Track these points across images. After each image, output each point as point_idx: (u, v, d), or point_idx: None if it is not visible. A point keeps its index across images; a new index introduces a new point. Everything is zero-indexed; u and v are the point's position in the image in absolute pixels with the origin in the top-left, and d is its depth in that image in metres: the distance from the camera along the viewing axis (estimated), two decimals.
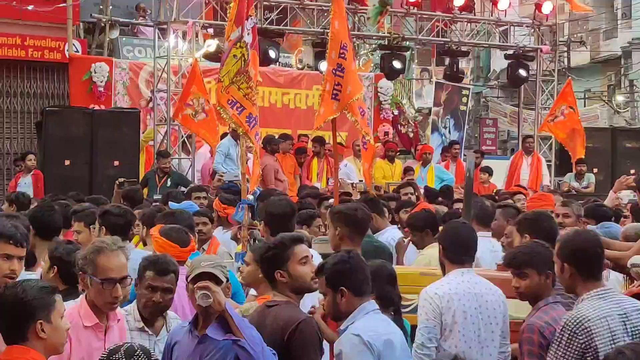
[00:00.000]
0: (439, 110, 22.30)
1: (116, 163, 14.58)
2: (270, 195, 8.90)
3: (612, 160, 19.11)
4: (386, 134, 18.93)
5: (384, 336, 4.71)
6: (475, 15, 19.60)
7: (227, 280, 4.85)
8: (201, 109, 14.33)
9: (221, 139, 14.73)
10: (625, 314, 4.57)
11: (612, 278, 6.60)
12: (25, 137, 17.58)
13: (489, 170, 16.97)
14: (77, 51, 17.50)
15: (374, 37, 19.05)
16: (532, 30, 20.13)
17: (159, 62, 16.07)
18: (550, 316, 4.95)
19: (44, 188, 13.96)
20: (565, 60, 30.23)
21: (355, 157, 15.84)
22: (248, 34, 9.34)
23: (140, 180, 14.10)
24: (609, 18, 34.74)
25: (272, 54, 16.49)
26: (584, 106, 31.29)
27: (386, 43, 18.30)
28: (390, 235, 8.26)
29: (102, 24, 18.42)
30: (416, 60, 27.04)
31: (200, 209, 9.11)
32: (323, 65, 13.58)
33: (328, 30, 11.61)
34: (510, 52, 19.48)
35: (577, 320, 4.49)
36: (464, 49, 19.62)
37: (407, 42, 19.29)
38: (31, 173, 14.62)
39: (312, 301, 5.49)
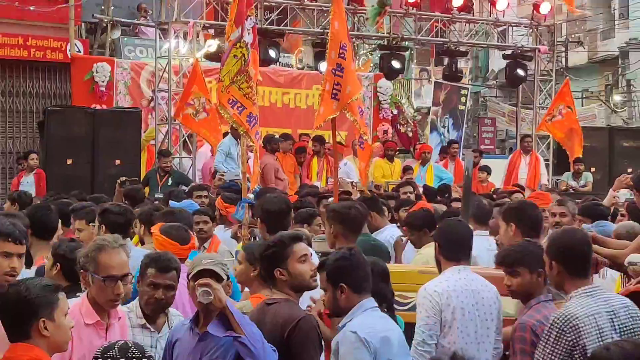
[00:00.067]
0: (438, 109, 22.37)
1: (118, 162, 14.63)
2: (267, 193, 8.97)
3: (610, 159, 19.17)
4: (385, 132, 18.97)
5: (380, 333, 4.72)
6: (473, 15, 19.58)
7: (228, 278, 4.85)
8: (202, 109, 14.35)
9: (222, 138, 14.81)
10: (613, 311, 4.57)
11: (608, 276, 6.63)
12: (27, 137, 17.56)
13: (487, 169, 16.99)
14: (79, 51, 17.49)
15: (373, 37, 19.10)
16: (530, 30, 20.14)
17: (160, 62, 16.08)
18: (543, 314, 4.96)
19: (46, 187, 13.99)
20: (563, 60, 30.17)
21: (354, 156, 15.88)
22: (248, 33, 9.41)
23: (141, 179, 14.12)
24: (607, 18, 34.76)
25: (272, 54, 16.50)
26: (582, 106, 31.38)
27: (385, 43, 18.34)
28: (389, 233, 8.27)
29: (104, 25, 18.40)
30: (415, 60, 27.10)
31: (200, 207, 9.14)
32: (323, 66, 13.64)
33: (328, 31, 11.65)
34: (509, 52, 19.50)
35: (565, 318, 4.49)
36: (462, 49, 19.60)
37: (406, 42, 19.30)
38: (33, 172, 14.63)
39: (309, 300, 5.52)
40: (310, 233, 7.73)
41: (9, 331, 3.95)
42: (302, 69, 20.44)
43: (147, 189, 13.45)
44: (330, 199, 9.97)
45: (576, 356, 4.43)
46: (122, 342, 4.00)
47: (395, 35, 18.36)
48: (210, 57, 16.03)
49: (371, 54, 22.79)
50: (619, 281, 6.38)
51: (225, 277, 4.75)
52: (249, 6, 9.75)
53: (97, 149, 14.76)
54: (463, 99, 22.80)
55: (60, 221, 7.96)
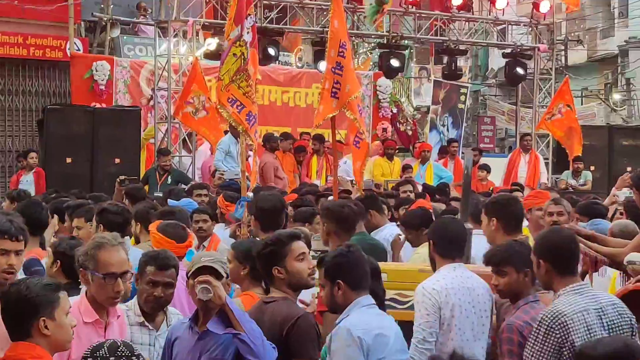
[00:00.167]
0: (438, 108, 22.41)
1: (117, 161, 14.67)
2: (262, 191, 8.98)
3: (609, 158, 19.18)
4: (384, 131, 19.00)
5: (375, 330, 4.72)
6: (473, 14, 19.62)
7: (227, 277, 4.82)
8: (202, 107, 14.36)
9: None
10: (601, 308, 4.59)
11: (607, 275, 6.61)
12: (27, 135, 17.64)
13: (486, 168, 17.00)
14: (79, 50, 17.55)
15: (372, 36, 19.15)
16: (530, 29, 20.14)
17: (160, 60, 16.10)
18: (530, 315, 4.96)
19: (46, 186, 14.00)
20: (563, 58, 30.22)
21: None
22: (247, 32, 9.43)
23: (141, 178, 14.13)
24: (606, 17, 34.79)
25: (271, 52, 16.54)
26: (581, 104, 31.41)
27: (385, 42, 18.39)
28: (389, 232, 8.28)
29: (104, 23, 18.45)
30: (415, 59, 27.11)
31: (200, 206, 9.15)
32: (322, 65, 13.63)
33: (327, 29, 11.67)
34: (508, 50, 19.51)
35: (554, 315, 4.50)
36: (462, 47, 19.61)
37: (406, 41, 19.34)
38: (33, 171, 14.67)
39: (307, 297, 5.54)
40: (311, 232, 7.72)
41: (10, 330, 3.96)
42: (301, 67, 20.47)
43: (146, 188, 13.42)
44: (330, 198, 9.97)
45: (565, 353, 4.45)
46: (111, 341, 4.00)
47: (395, 34, 18.41)
48: (209, 56, 16.05)
49: (371, 53, 22.82)
50: (614, 279, 6.35)
51: (224, 275, 4.74)
52: (249, 5, 9.77)
53: (97, 147, 14.79)
54: (462, 98, 22.84)
55: (56, 217, 8.03)
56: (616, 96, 34.15)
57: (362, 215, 7.59)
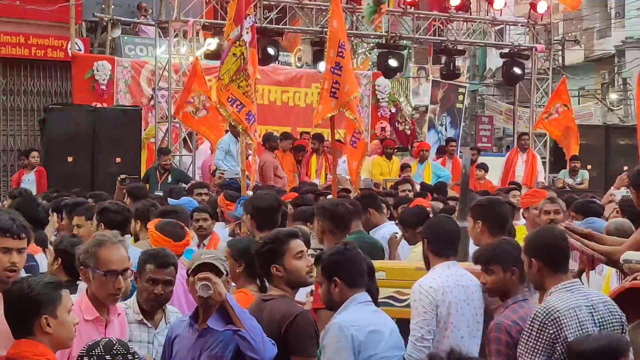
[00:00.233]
0: (436, 107, 22.47)
1: (118, 160, 14.72)
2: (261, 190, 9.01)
3: (606, 157, 19.26)
4: (383, 130, 19.06)
5: (368, 327, 4.73)
6: (471, 14, 19.64)
7: (227, 274, 4.83)
8: (202, 106, 14.37)
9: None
10: (592, 305, 4.62)
11: (604, 273, 6.61)
12: (28, 134, 17.67)
13: (484, 167, 17.02)
14: (80, 50, 17.60)
15: (371, 36, 19.23)
16: (527, 29, 20.18)
17: (160, 60, 16.18)
18: (519, 315, 4.97)
19: (47, 185, 14.05)
20: (560, 58, 30.29)
21: None
22: (247, 32, 9.52)
23: (141, 177, 14.20)
24: (603, 17, 34.76)
25: (271, 52, 16.60)
26: (578, 104, 31.40)
27: (384, 42, 18.47)
28: (387, 230, 8.31)
29: (104, 23, 18.51)
30: (413, 59, 27.16)
31: (200, 205, 9.19)
32: (322, 66, 13.71)
33: (326, 29, 11.73)
34: (506, 50, 19.63)
35: (547, 312, 4.52)
36: (460, 47, 19.69)
37: (404, 41, 19.42)
38: (34, 170, 14.69)
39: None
40: (310, 231, 7.71)
41: (13, 328, 3.97)
42: (301, 67, 20.52)
43: (146, 187, 13.50)
44: (329, 197, 10.03)
45: (558, 348, 4.48)
46: (107, 339, 3.96)
47: (394, 34, 18.49)
48: (209, 55, 16.10)
49: (370, 53, 22.87)
50: (608, 277, 6.40)
51: (224, 272, 4.75)
52: (248, 5, 9.86)
53: (98, 146, 14.85)
54: (461, 97, 22.90)
55: (55, 215, 8.15)
56: (613, 96, 34.14)
57: (358, 214, 7.59)
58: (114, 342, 3.89)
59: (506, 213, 6.34)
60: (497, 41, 20.74)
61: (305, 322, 4.82)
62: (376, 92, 20.09)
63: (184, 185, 12.80)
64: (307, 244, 6.15)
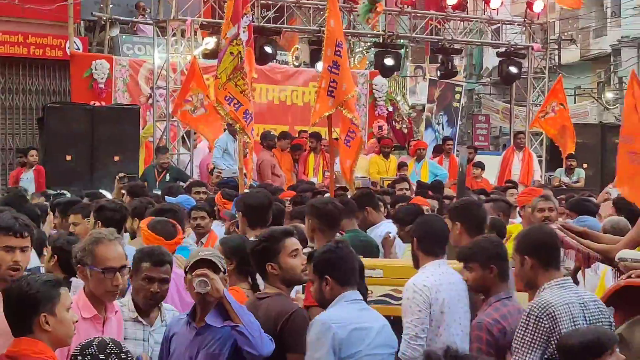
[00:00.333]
0: (433, 106, 22.53)
1: (116, 158, 14.71)
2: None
3: (602, 155, 19.29)
4: (380, 129, 19.11)
5: (351, 325, 4.74)
6: (468, 13, 19.76)
7: (225, 271, 4.83)
8: (200, 105, 14.41)
9: None
10: (584, 303, 4.67)
11: (600, 271, 6.61)
12: (27, 133, 17.64)
13: (481, 166, 17.02)
14: (78, 49, 17.61)
15: (369, 35, 19.28)
16: (524, 28, 20.28)
17: (159, 59, 16.21)
18: (501, 313, 5.00)
19: (46, 183, 14.09)
20: (556, 57, 30.29)
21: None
22: (243, 31, 9.58)
23: (140, 175, 14.24)
24: (599, 17, 34.82)
25: (269, 51, 16.63)
26: (574, 103, 31.41)
27: (381, 41, 18.52)
28: (385, 229, 8.29)
29: (103, 22, 18.51)
30: (410, 58, 27.18)
31: (198, 203, 9.22)
32: (320, 66, 13.75)
33: (324, 29, 11.78)
34: (502, 49, 19.66)
35: (542, 306, 4.55)
36: (457, 46, 19.74)
37: (401, 40, 19.45)
38: (33, 168, 14.71)
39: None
40: None
41: (13, 326, 3.98)
42: (298, 66, 20.54)
43: (146, 185, 13.52)
44: (327, 195, 10.06)
45: (552, 343, 4.51)
46: (100, 338, 3.97)
47: (391, 33, 18.54)
48: (207, 54, 16.14)
49: (367, 52, 22.91)
50: (603, 275, 6.43)
51: (222, 269, 4.77)
52: (245, 4, 9.92)
53: (96, 145, 14.85)
54: (457, 96, 22.95)
55: (52, 214, 8.22)
56: (609, 95, 34.20)
57: (352, 213, 7.62)
58: (108, 342, 3.91)
59: (483, 214, 6.40)
60: (493, 40, 20.76)
61: (301, 320, 4.87)
62: (373, 90, 20.15)
63: (182, 183, 12.84)
64: (304, 242, 6.22)
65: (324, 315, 4.81)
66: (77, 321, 4.10)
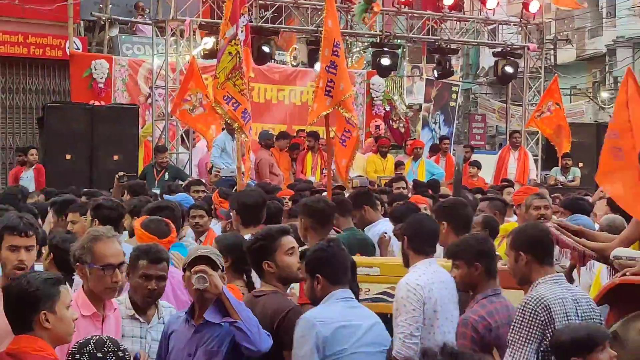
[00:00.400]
0: (430, 106, 22.65)
1: (116, 157, 14.82)
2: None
3: (597, 155, 18.93)
4: (377, 128, 19.19)
5: (337, 323, 4.74)
6: (464, 14, 19.76)
7: (223, 269, 4.83)
8: (199, 104, 14.47)
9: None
10: (576, 299, 4.70)
11: (595, 270, 6.64)
12: (27, 132, 17.66)
13: (477, 165, 17.06)
14: (78, 49, 17.67)
15: (366, 35, 19.35)
16: (520, 28, 20.28)
17: (158, 59, 16.28)
18: (487, 310, 5.01)
19: (45, 182, 14.16)
20: (552, 57, 30.35)
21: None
22: (241, 31, 9.65)
23: (139, 174, 14.31)
24: (594, 17, 34.85)
25: (267, 51, 16.68)
26: (570, 102, 31.48)
27: (378, 41, 18.55)
28: (382, 227, 8.29)
29: (102, 22, 18.59)
30: (407, 58, 27.23)
31: (197, 202, 9.27)
32: (318, 67, 13.82)
33: (322, 29, 11.84)
34: (499, 49, 19.70)
35: (537, 299, 4.59)
36: (453, 46, 19.77)
37: (398, 40, 19.50)
38: (33, 167, 14.80)
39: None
40: None
41: (13, 323, 3.98)
42: (296, 66, 20.60)
43: (145, 184, 13.58)
44: (324, 194, 10.13)
45: (547, 336, 4.55)
46: (97, 337, 3.94)
47: (388, 33, 18.60)
48: (206, 54, 16.20)
49: (364, 52, 22.99)
50: (599, 273, 6.47)
51: (220, 266, 4.78)
52: (243, 4, 10.00)
53: (96, 144, 14.94)
54: (454, 96, 23.07)
55: (50, 213, 8.26)
56: (604, 94, 34.26)
57: (347, 211, 7.66)
58: (105, 340, 3.90)
59: (469, 214, 6.47)
60: (490, 40, 20.84)
61: (297, 318, 4.86)
62: (370, 90, 20.23)
63: (180, 182, 12.91)
64: (300, 240, 6.20)
65: (310, 313, 4.83)
66: (77, 319, 4.11)
